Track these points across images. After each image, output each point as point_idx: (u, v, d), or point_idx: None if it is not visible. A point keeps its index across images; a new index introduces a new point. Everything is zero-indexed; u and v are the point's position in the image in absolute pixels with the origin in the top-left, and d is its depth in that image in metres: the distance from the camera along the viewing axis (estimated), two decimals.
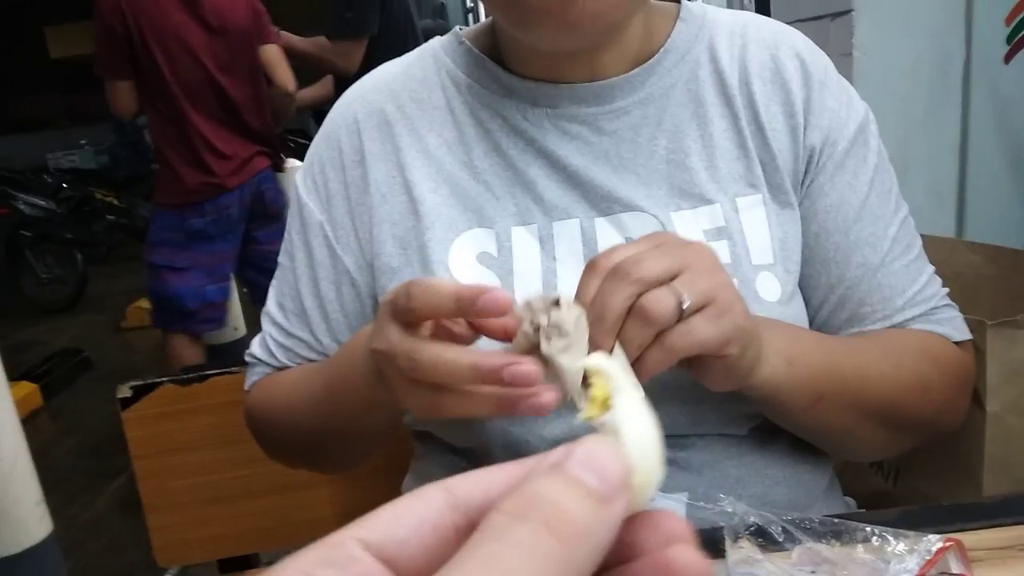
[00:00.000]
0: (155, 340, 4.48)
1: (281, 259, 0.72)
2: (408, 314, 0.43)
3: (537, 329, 0.37)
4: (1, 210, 5.07)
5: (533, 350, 0.37)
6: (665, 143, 0.63)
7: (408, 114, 0.67)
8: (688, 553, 0.19)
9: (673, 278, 0.45)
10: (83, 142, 8.86)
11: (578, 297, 0.46)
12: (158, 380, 0.98)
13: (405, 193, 0.66)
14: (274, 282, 0.73)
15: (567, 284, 0.61)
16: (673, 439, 0.60)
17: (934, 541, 0.44)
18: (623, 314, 0.44)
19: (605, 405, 0.22)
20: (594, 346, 0.42)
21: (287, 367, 0.71)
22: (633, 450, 0.20)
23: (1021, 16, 1.57)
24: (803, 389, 0.55)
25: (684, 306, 0.45)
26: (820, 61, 0.66)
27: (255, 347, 0.73)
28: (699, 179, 0.62)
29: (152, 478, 0.98)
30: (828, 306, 0.65)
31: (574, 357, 0.35)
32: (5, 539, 1.61)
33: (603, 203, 0.63)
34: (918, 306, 0.64)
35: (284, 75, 2.39)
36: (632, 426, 0.21)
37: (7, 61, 9.00)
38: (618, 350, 0.43)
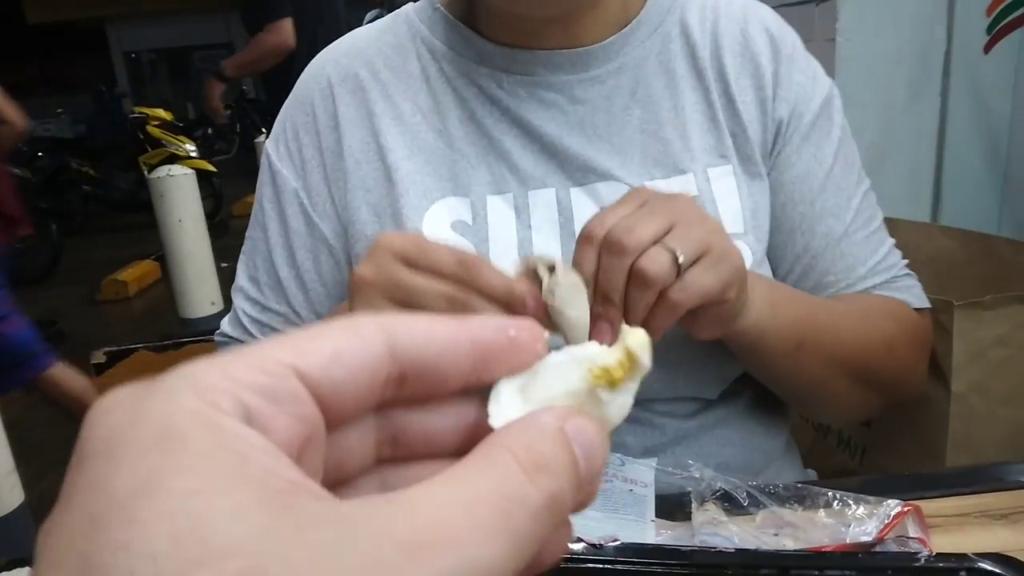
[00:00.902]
0: (131, 313, 4.45)
1: (251, 232, 0.70)
2: (410, 262, 0.43)
3: (540, 285, 0.37)
4: None
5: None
6: (639, 113, 0.64)
7: (383, 80, 0.67)
8: None
9: (665, 234, 0.46)
10: (60, 110, 8.68)
11: (575, 266, 0.47)
12: (133, 346, 0.97)
13: (379, 160, 0.65)
14: (243, 257, 0.70)
15: (542, 251, 0.61)
16: (646, 403, 0.61)
17: (893, 506, 0.45)
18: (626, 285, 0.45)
19: (613, 383, 0.20)
20: (606, 325, 0.44)
21: None
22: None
23: (1002, 7, 1.59)
24: (785, 334, 0.56)
25: (680, 261, 0.46)
26: (788, 36, 0.68)
27: (226, 326, 0.71)
28: (672, 149, 0.63)
29: None
30: (794, 275, 0.66)
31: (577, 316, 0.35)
32: None
33: (578, 173, 0.63)
34: (879, 275, 0.66)
35: (10, 112, 2.26)
36: (623, 415, 0.20)
37: None
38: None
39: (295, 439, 0.16)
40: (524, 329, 0.20)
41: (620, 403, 0.20)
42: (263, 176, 0.70)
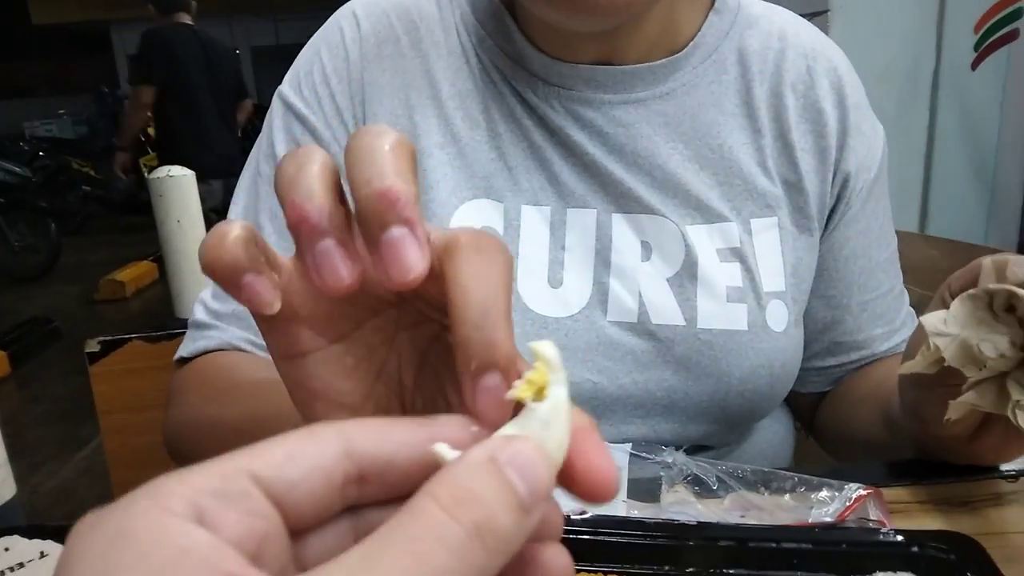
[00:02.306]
0: (127, 313, 4.45)
1: (254, 187, 0.60)
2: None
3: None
4: None
5: None
6: (682, 148, 0.58)
7: (423, 51, 0.59)
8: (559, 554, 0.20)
9: None
10: (62, 111, 8.71)
11: None
12: (126, 336, 0.98)
13: (409, 139, 0.59)
14: (240, 214, 0.60)
15: (573, 276, 0.57)
16: (651, 445, 0.58)
17: (854, 489, 0.47)
18: None
19: (540, 392, 0.21)
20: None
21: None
22: (554, 450, 0.20)
23: (989, 24, 1.62)
24: None
25: None
26: (855, 81, 0.62)
27: (210, 301, 0.60)
28: (714, 194, 0.58)
29: (118, 434, 0.99)
30: (839, 329, 0.63)
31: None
32: None
33: (622, 199, 0.58)
34: (908, 326, 0.66)
35: None
36: (558, 425, 0.20)
37: None
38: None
39: (248, 535, 0.17)
40: (487, 427, 0.21)
41: (555, 403, 0.21)
42: (275, 123, 0.61)
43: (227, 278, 0.22)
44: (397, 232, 0.21)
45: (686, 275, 0.57)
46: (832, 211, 0.61)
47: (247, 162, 0.62)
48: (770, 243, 0.59)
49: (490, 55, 0.59)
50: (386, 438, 0.20)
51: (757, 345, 0.57)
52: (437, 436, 0.20)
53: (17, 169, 5.16)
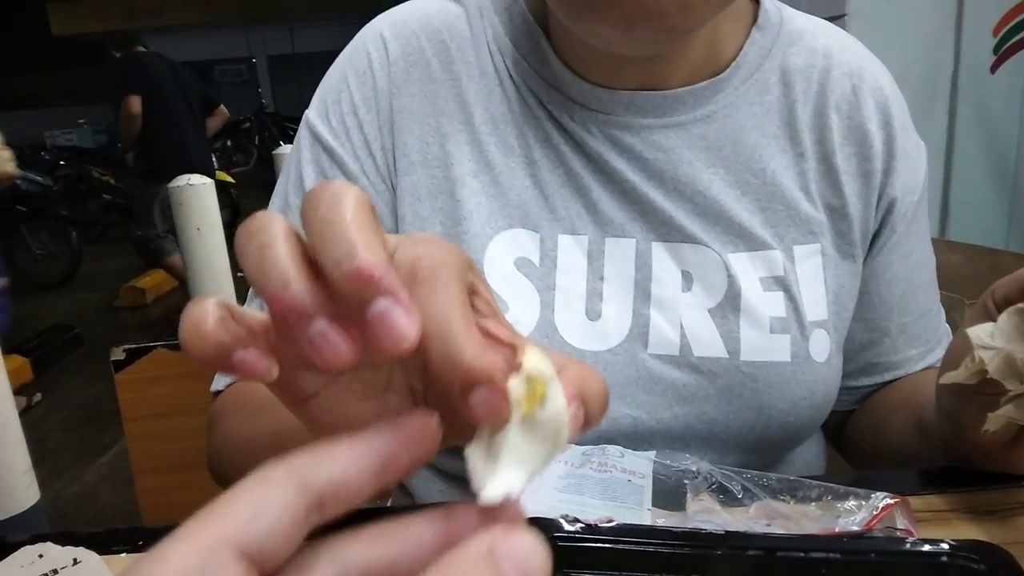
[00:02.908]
0: (147, 319, 4.50)
1: (280, 212, 0.58)
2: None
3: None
4: None
5: None
6: (723, 174, 0.56)
7: (455, 73, 0.57)
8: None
9: None
10: (82, 121, 8.84)
11: None
12: (151, 344, 1.00)
13: (441, 168, 0.56)
14: None
15: (612, 308, 0.56)
16: (675, 453, 0.58)
17: (881, 498, 0.47)
18: None
19: (538, 399, 0.22)
20: None
21: None
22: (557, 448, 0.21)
23: (1008, 27, 1.61)
24: None
25: None
26: (900, 100, 0.60)
27: None
28: (756, 221, 0.56)
29: (142, 441, 1.00)
30: (876, 350, 0.62)
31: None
32: None
33: (662, 228, 0.56)
34: (942, 344, 0.64)
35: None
36: (560, 426, 0.22)
37: (8, 37, 8.96)
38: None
39: None
40: (416, 421, 0.21)
41: (555, 404, 0.22)
42: (303, 154, 0.59)
43: (217, 363, 0.22)
44: (382, 305, 0.20)
45: (728, 306, 0.56)
46: (875, 236, 0.60)
47: (276, 189, 0.61)
48: (813, 270, 0.57)
49: (524, 77, 0.57)
50: (334, 460, 0.20)
51: (800, 377, 0.56)
52: (378, 447, 0.21)
53: (39, 178, 5.24)
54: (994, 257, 1.08)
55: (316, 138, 0.59)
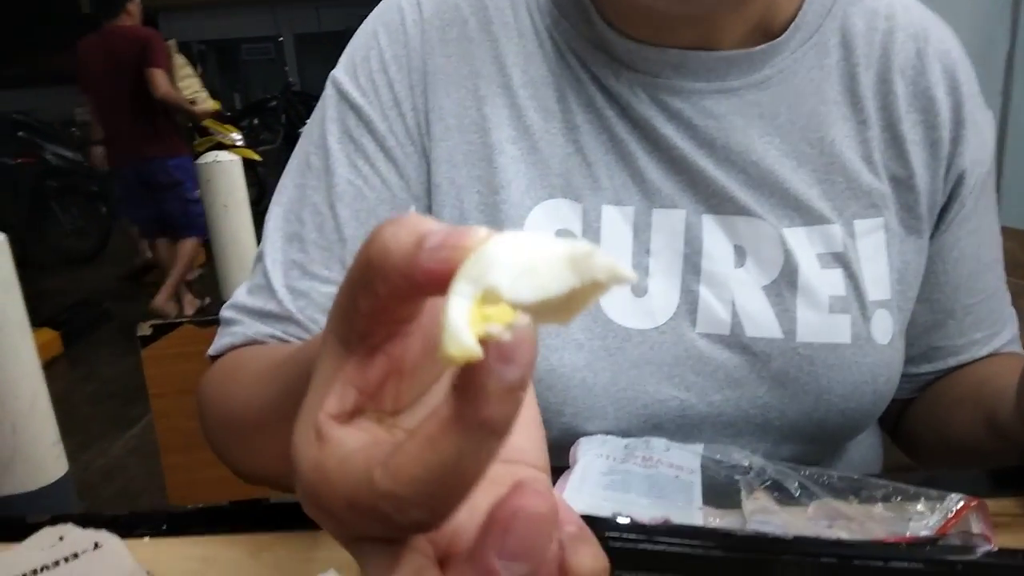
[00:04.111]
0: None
1: (295, 179, 0.55)
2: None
3: None
4: (27, 158, 5.11)
5: None
6: (778, 143, 0.53)
7: (493, 34, 0.54)
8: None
9: None
10: None
11: None
12: (178, 320, 0.99)
13: (478, 133, 0.53)
14: (277, 210, 0.55)
15: (659, 284, 0.53)
16: (723, 447, 0.54)
17: (955, 500, 0.43)
18: None
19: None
20: None
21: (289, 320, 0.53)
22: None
23: None
24: None
25: None
26: (967, 64, 0.57)
27: (243, 296, 0.55)
28: (814, 193, 0.53)
29: (168, 417, 0.99)
30: (939, 334, 0.59)
31: None
32: (22, 477, 1.64)
33: (713, 199, 0.53)
34: (1008, 328, 0.61)
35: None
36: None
37: (39, 15, 9.05)
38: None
39: None
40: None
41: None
42: (328, 112, 0.55)
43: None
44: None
45: (784, 283, 0.53)
46: (943, 210, 0.56)
47: (295, 150, 0.58)
48: (875, 246, 0.54)
49: (565, 37, 0.54)
50: None
51: (861, 359, 0.53)
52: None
53: (68, 154, 5.28)
54: None
55: (343, 96, 0.55)
